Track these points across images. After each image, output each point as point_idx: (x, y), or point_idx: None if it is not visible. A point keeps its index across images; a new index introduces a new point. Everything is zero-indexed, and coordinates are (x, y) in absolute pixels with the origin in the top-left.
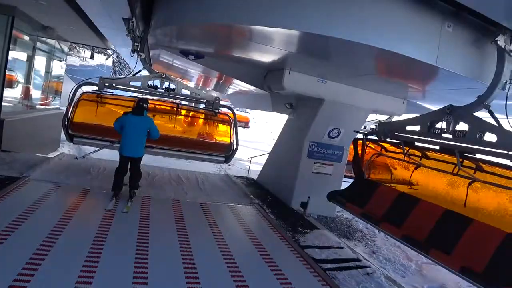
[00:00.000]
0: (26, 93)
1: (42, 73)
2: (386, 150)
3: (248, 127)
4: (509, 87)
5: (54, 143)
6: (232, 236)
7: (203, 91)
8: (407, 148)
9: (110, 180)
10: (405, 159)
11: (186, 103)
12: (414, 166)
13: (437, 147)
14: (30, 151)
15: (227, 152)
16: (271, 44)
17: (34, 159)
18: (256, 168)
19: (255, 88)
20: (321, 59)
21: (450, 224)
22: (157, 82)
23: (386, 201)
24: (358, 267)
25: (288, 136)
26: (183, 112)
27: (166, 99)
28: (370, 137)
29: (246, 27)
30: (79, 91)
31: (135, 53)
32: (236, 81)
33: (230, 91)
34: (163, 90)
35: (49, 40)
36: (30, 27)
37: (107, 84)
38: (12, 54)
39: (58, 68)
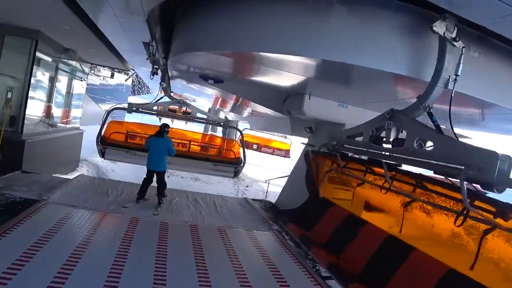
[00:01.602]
0: (48, 112)
1: (64, 92)
2: (338, 165)
3: (289, 157)
4: (454, 84)
5: (73, 163)
6: (250, 264)
7: (221, 112)
8: (345, 162)
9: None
10: (347, 173)
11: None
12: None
13: (378, 160)
14: (50, 171)
15: (235, 166)
16: (291, 71)
17: (53, 180)
18: (274, 189)
19: (273, 111)
20: (342, 85)
21: (390, 254)
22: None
23: (333, 223)
24: None
25: None
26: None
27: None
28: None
29: (265, 55)
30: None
31: (154, 76)
32: (253, 103)
33: (247, 113)
34: (181, 114)
35: (70, 61)
36: (53, 50)
37: (134, 108)
38: (35, 75)
39: (79, 87)
